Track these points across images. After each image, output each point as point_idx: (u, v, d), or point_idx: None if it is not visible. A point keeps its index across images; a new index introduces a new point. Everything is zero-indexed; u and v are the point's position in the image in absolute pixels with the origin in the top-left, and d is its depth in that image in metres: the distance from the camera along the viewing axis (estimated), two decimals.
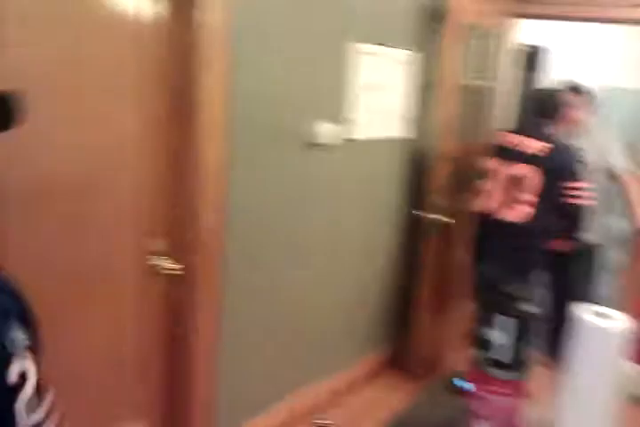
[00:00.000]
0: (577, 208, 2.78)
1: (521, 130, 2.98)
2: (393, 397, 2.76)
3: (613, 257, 3.63)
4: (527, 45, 4.34)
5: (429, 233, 3.11)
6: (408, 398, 2.61)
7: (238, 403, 2.48)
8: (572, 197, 2.76)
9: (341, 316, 2.98)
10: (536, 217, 2.80)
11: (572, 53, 5.01)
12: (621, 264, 3.67)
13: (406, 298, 3.31)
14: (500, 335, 1.35)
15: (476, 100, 3.36)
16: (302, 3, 2.32)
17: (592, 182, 2.92)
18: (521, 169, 2.81)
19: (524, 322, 1.34)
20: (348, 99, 2.65)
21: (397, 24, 2.90)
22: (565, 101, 3.01)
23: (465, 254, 3.17)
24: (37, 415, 0.88)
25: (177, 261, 2.08)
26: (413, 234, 3.24)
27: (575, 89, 3.23)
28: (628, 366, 2.02)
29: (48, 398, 0.92)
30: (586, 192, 2.79)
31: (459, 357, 3.18)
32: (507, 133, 3.00)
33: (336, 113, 2.61)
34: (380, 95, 2.83)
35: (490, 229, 2.95)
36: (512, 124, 3.36)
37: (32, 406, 0.87)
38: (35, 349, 0.95)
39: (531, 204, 2.79)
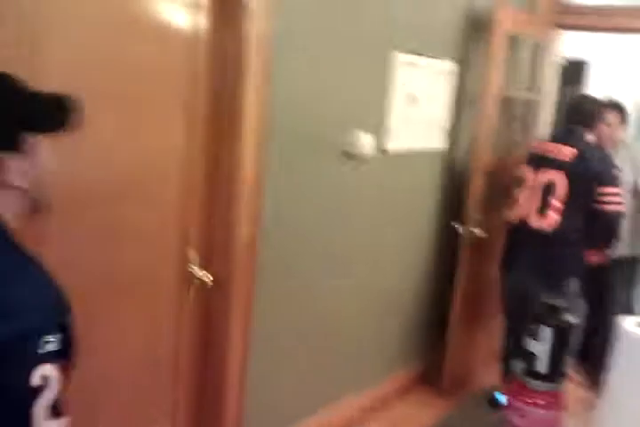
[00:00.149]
0: (610, 215, 2.71)
1: (556, 137, 2.94)
2: (424, 413, 2.72)
3: None
4: (567, 59, 4.28)
5: (464, 247, 3.07)
6: (439, 414, 2.56)
7: (267, 414, 2.46)
8: (605, 203, 2.69)
9: (374, 329, 2.94)
10: (568, 225, 2.74)
11: (611, 67, 4.94)
12: None
13: (439, 313, 3.27)
14: (539, 345, 1.31)
15: (517, 112, 3.33)
16: (344, 12, 2.31)
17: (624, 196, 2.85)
18: (552, 176, 2.76)
19: (563, 332, 1.30)
20: (387, 109, 2.63)
21: (440, 34, 2.88)
22: (602, 113, 2.95)
23: (497, 268, 3.12)
24: (56, 424, 0.88)
25: (212, 269, 2.09)
26: (449, 247, 3.20)
27: (612, 105, 3.17)
28: None
29: (65, 419, 0.91)
30: (618, 198, 2.71)
31: (490, 372, 3.13)
32: (542, 142, 2.96)
33: (375, 123, 2.59)
34: (420, 106, 2.81)
35: (521, 237, 2.91)
36: (549, 134, 3.32)
37: (50, 414, 0.87)
38: (65, 358, 0.94)
39: (562, 211, 2.74)
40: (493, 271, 3.18)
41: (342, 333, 2.74)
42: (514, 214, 2.92)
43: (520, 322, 2.84)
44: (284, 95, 2.13)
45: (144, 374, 2.01)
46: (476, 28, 3.04)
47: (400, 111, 2.69)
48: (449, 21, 2.92)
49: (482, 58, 2.99)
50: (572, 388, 1.42)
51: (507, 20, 2.91)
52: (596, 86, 4.77)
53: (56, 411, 0.89)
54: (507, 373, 2.77)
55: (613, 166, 2.77)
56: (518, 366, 1.38)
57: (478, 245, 3.10)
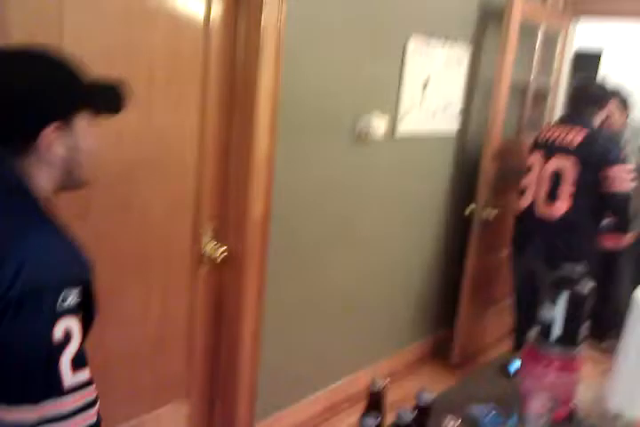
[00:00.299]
0: (619, 195, 2.65)
1: (564, 122, 2.91)
2: (434, 387, 2.73)
3: None
4: (580, 48, 4.25)
5: (474, 226, 3.09)
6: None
7: (280, 389, 2.50)
8: (613, 182, 2.64)
9: (385, 305, 2.97)
10: (576, 211, 2.71)
11: (625, 57, 4.90)
12: None
13: (450, 290, 3.29)
14: (554, 311, 1.33)
15: (529, 98, 3.31)
16: None
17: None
18: (560, 163, 2.74)
19: (579, 297, 1.31)
20: (400, 92, 2.63)
21: (455, 19, 2.87)
22: (608, 95, 2.92)
23: (508, 249, 3.13)
24: (82, 376, 0.92)
25: (226, 245, 2.12)
26: (460, 228, 3.22)
27: (612, 93, 3.15)
28: None
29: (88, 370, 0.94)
30: (626, 176, 2.64)
31: (501, 348, 3.15)
32: (550, 127, 2.94)
33: (388, 106, 2.60)
34: (433, 90, 2.81)
35: (530, 224, 2.89)
36: (557, 119, 3.30)
37: (77, 363, 0.91)
38: (86, 312, 0.97)
39: (570, 198, 2.71)
40: (503, 252, 3.20)
41: (354, 308, 2.77)
42: (522, 202, 2.91)
43: (530, 302, 2.88)
44: (297, 77, 2.14)
45: (159, 349, 2.05)
46: (491, 14, 3.03)
47: (413, 94, 2.69)
48: (464, 6, 2.90)
49: (496, 43, 2.97)
50: (587, 352, 1.43)
51: (521, 7, 2.90)
52: (609, 75, 4.73)
53: (80, 362, 0.92)
54: (518, 345, 2.78)
55: (620, 146, 2.74)
56: (533, 332, 1.39)
57: (488, 226, 3.13)
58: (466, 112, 3.10)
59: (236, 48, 1.99)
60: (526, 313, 2.94)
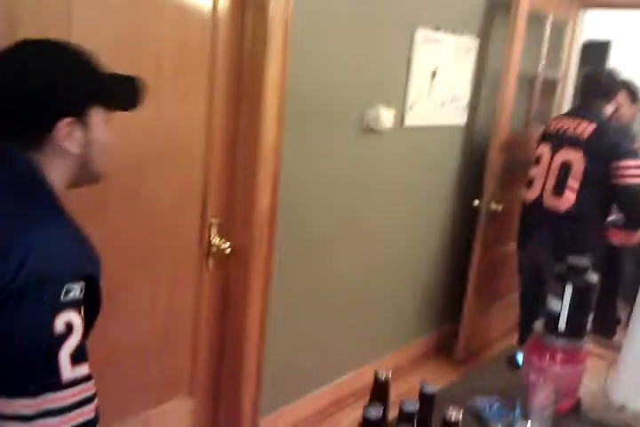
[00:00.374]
0: (630, 189, 2.61)
1: (573, 113, 2.89)
2: (437, 383, 2.73)
3: None
4: (589, 39, 4.23)
5: (481, 219, 3.08)
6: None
7: (285, 383, 2.50)
8: (623, 176, 2.60)
9: (392, 298, 2.97)
10: (583, 204, 2.69)
11: (634, 48, 4.87)
12: None
13: (457, 283, 3.29)
14: (560, 303, 1.32)
15: (537, 90, 3.30)
16: None
17: None
18: (569, 155, 2.72)
19: (584, 290, 1.31)
20: (408, 84, 2.63)
21: (462, 10, 2.86)
22: (619, 85, 2.90)
23: (515, 243, 3.12)
24: (81, 371, 0.91)
25: (232, 238, 2.12)
26: (468, 220, 3.21)
27: (625, 86, 3.13)
28: None
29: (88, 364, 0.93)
30: (638, 171, 2.61)
31: (506, 344, 3.14)
32: (559, 118, 2.92)
33: (396, 98, 2.60)
34: (441, 82, 2.80)
35: (536, 216, 2.87)
36: (566, 110, 3.29)
37: (77, 357, 0.90)
38: (88, 305, 0.96)
39: (578, 191, 2.69)
40: (510, 245, 3.19)
41: (360, 301, 2.77)
42: (530, 194, 2.90)
43: (536, 295, 2.87)
44: (304, 68, 2.14)
45: (164, 343, 2.05)
46: (499, 4, 3.02)
47: (421, 86, 2.69)
48: None
49: (504, 34, 2.96)
50: (592, 344, 1.43)
51: None
52: (618, 67, 4.70)
53: (80, 357, 0.92)
54: (524, 339, 2.77)
55: (631, 139, 2.71)
56: (538, 324, 1.39)
57: (495, 219, 3.12)
58: (474, 103, 3.10)
59: (244, 39, 1.99)
60: (532, 306, 2.94)
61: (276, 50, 1.98)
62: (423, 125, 2.78)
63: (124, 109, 1.11)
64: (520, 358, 1.53)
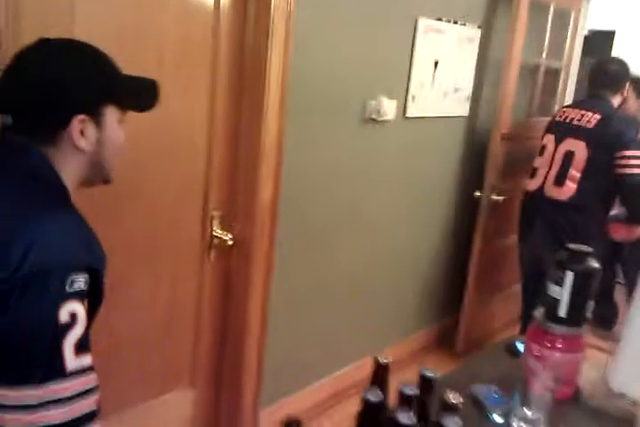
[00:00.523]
0: (632, 179, 2.57)
1: (581, 103, 2.88)
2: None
3: None
4: (592, 29, 4.22)
5: (482, 211, 3.08)
6: None
7: (286, 374, 2.51)
8: (626, 166, 2.57)
9: (392, 290, 2.98)
10: (584, 194, 2.67)
11: (637, 37, 4.85)
12: None
13: (458, 275, 3.29)
14: (560, 290, 1.32)
15: (540, 79, 3.29)
16: None
17: None
18: (573, 145, 2.71)
19: (585, 277, 1.31)
20: (410, 75, 2.63)
21: (465, 0, 2.85)
22: (629, 75, 2.87)
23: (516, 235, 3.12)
24: (84, 361, 0.92)
25: (234, 229, 2.12)
26: (467, 211, 3.22)
27: (632, 80, 3.11)
28: None
29: (90, 356, 0.94)
30: None
31: (507, 336, 3.14)
32: (566, 109, 2.91)
33: (398, 88, 2.59)
34: (443, 72, 2.80)
35: (537, 206, 2.87)
36: (573, 100, 3.27)
37: (80, 348, 0.91)
38: (91, 298, 0.97)
39: (580, 181, 2.67)
40: (511, 237, 3.19)
41: (361, 293, 2.78)
42: (532, 183, 2.89)
43: (537, 287, 2.87)
44: (306, 60, 2.14)
45: (166, 334, 2.06)
46: None
47: (423, 77, 2.69)
48: None
49: (507, 23, 2.96)
50: (591, 336, 1.44)
51: None
52: (622, 57, 4.69)
53: (84, 347, 0.92)
54: (526, 329, 2.76)
55: (636, 129, 2.66)
56: (538, 311, 1.39)
57: (496, 210, 3.12)
58: (476, 94, 3.09)
59: (246, 31, 1.99)
60: (533, 298, 2.94)
61: (279, 42, 1.98)
62: (425, 116, 2.78)
63: (139, 111, 1.13)
64: (520, 346, 1.54)
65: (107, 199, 1.74)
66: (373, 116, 2.47)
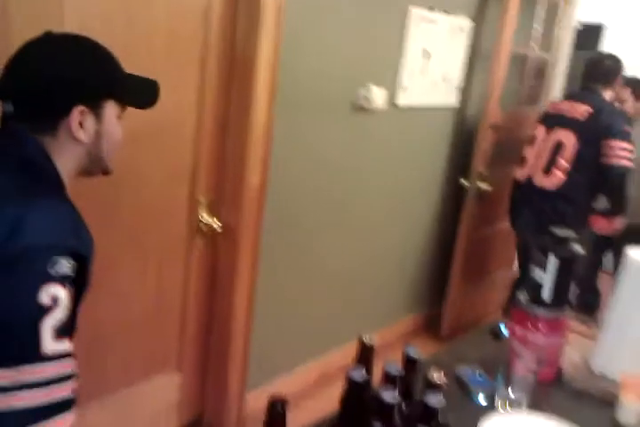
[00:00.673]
0: (617, 170, 2.62)
1: (573, 96, 2.92)
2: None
3: None
4: (582, 22, 4.22)
5: (469, 200, 3.10)
6: None
7: (272, 360, 2.52)
8: (612, 156, 2.61)
9: (377, 279, 2.99)
10: (572, 184, 2.72)
11: (629, 32, 4.86)
12: None
13: (443, 264, 3.31)
14: (544, 274, 1.34)
15: (530, 70, 3.30)
16: None
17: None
18: (563, 136, 2.75)
19: (568, 261, 1.32)
20: (400, 64, 2.62)
21: None
22: (621, 70, 2.91)
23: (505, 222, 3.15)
24: (62, 346, 0.90)
25: (221, 217, 2.13)
26: (455, 201, 3.23)
27: (631, 82, 3.14)
28: None
29: (70, 344, 0.93)
30: (627, 153, 2.61)
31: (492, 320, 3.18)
32: (557, 101, 2.94)
33: (388, 78, 2.59)
34: (434, 62, 2.80)
35: (525, 194, 2.92)
36: (566, 93, 3.29)
37: (59, 332, 0.89)
38: (77, 285, 0.97)
39: (568, 171, 2.72)
40: (497, 224, 3.21)
41: (346, 282, 2.79)
42: (521, 172, 2.92)
43: (525, 272, 2.90)
44: (296, 53, 2.13)
45: (153, 319, 2.06)
46: None
47: (413, 66, 2.68)
48: None
49: (497, 15, 2.95)
50: (574, 316, 1.46)
51: None
52: (612, 51, 4.71)
53: (63, 332, 0.91)
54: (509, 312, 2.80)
55: (626, 121, 2.72)
56: (522, 295, 1.41)
57: (483, 199, 3.14)
58: (466, 84, 3.10)
59: (236, 24, 1.98)
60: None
61: (268, 35, 1.96)
62: (415, 105, 2.78)
63: (138, 107, 1.16)
64: (503, 328, 1.56)
65: (92, 186, 1.72)
66: (363, 105, 2.46)
